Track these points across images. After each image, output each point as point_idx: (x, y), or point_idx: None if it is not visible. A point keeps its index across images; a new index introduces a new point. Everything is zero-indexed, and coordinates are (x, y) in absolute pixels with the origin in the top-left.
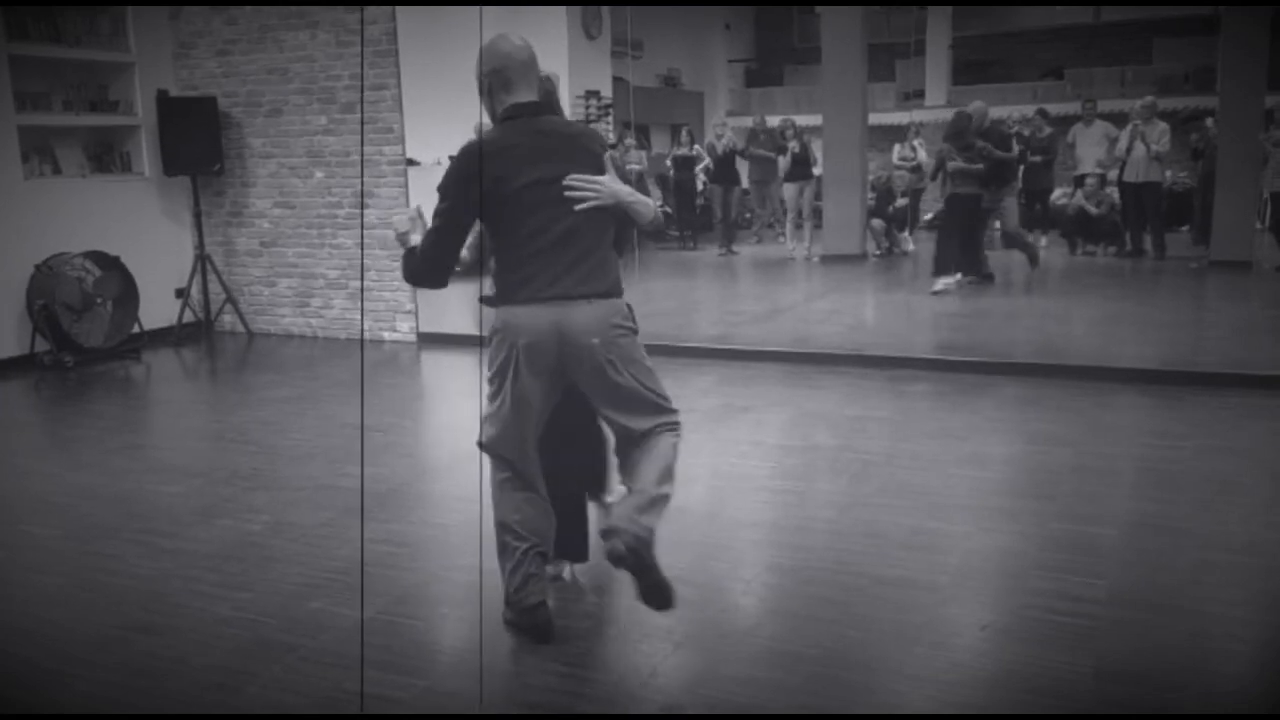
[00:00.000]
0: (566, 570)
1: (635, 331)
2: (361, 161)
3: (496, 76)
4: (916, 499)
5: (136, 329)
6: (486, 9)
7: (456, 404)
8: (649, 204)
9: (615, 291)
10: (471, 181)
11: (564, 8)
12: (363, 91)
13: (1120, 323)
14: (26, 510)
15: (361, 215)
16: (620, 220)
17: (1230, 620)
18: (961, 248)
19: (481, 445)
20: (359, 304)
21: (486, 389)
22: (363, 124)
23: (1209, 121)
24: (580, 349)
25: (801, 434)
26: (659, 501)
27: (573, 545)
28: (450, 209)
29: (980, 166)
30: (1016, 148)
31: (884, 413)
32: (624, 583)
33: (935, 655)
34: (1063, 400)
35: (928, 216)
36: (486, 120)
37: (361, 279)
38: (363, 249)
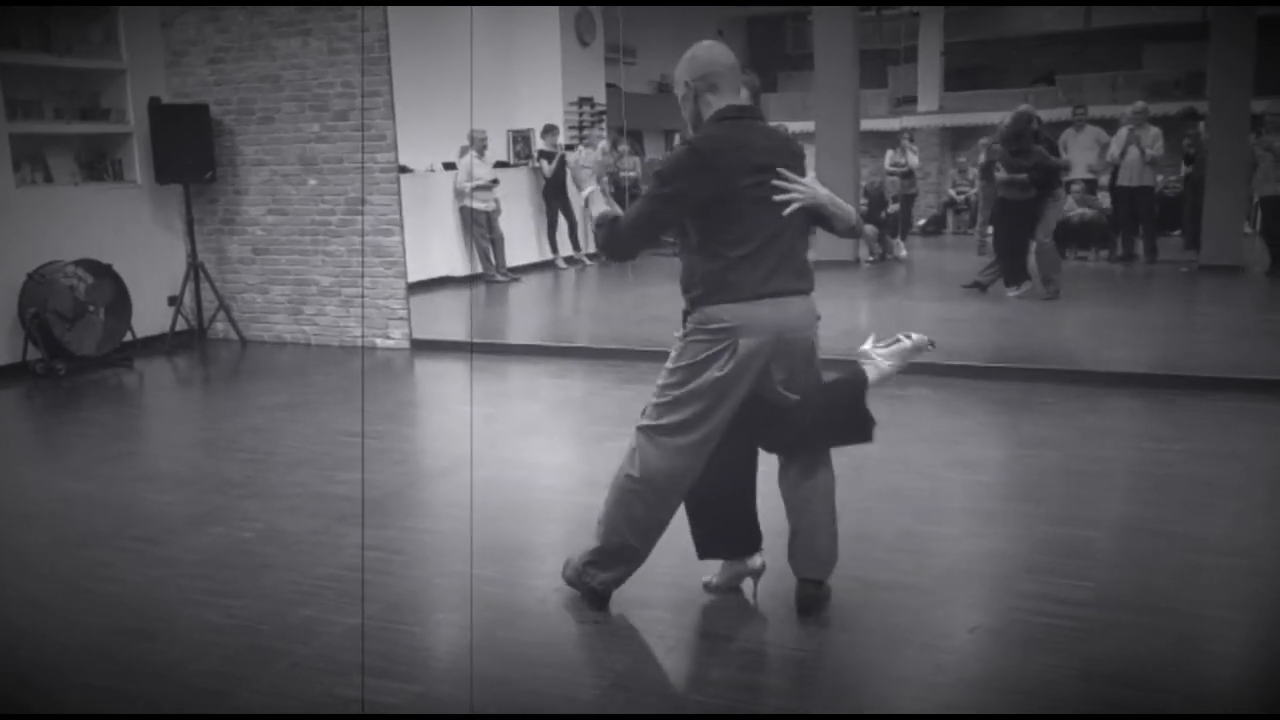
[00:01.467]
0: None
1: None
2: (362, 167)
3: (704, 81)
4: (907, 502)
5: (129, 337)
6: (482, 20)
7: (449, 410)
8: (849, 211)
9: (813, 288)
10: (705, 173)
11: (558, 18)
12: (363, 97)
13: (1111, 327)
14: (18, 517)
15: (363, 221)
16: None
17: (1219, 622)
18: (1012, 254)
19: (645, 429)
20: (352, 311)
21: (665, 378)
22: (364, 129)
23: (1201, 126)
24: (795, 342)
25: None
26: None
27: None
28: (673, 195)
29: (1024, 175)
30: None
31: (875, 417)
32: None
33: (923, 657)
34: (1054, 404)
35: (921, 222)
36: (480, 127)
37: (363, 286)
38: (364, 255)
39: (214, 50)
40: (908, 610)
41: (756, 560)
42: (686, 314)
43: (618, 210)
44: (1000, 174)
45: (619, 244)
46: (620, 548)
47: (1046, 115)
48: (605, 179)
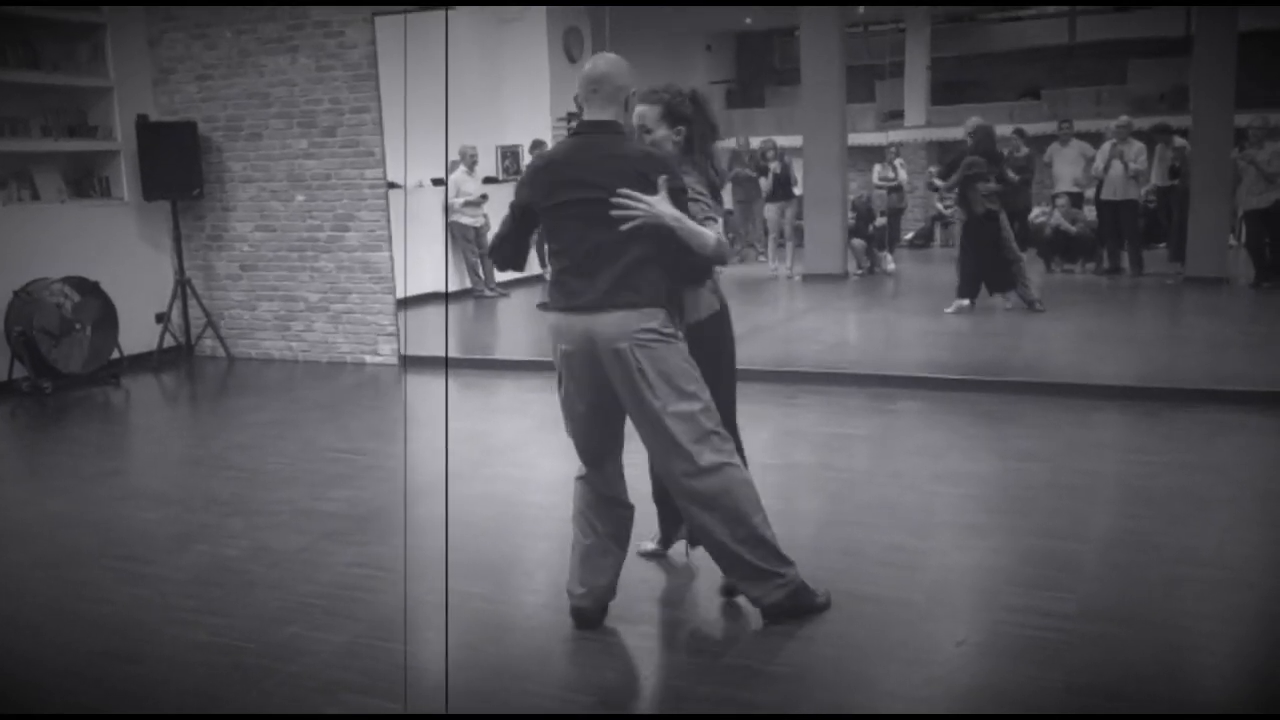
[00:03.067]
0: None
1: (675, 338)
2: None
3: (580, 95)
4: (894, 516)
5: (116, 354)
6: (470, 37)
7: (438, 427)
8: (703, 233)
9: (646, 302)
10: (527, 185)
11: (545, 34)
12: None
13: (1097, 339)
14: (3, 537)
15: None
16: (678, 244)
17: (1201, 634)
18: (993, 267)
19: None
20: (340, 327)
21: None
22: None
23: (1178, 140)
24: (609, 355)
25: (782, 452)
26: (757, 549)
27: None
28: (512, 205)
29: (999, 186)
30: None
31: (864, 430)
32: None
33: (911, 671)
34: (1040, 417)
35: (908, 236)
36: (470, 143)
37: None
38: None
39: (202, 67)
40: (896, 624)
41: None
42: None
43: None
44: (987, 185)
45: (493, 250)
46: (586, 550)
47: (1032, 129)
48: None
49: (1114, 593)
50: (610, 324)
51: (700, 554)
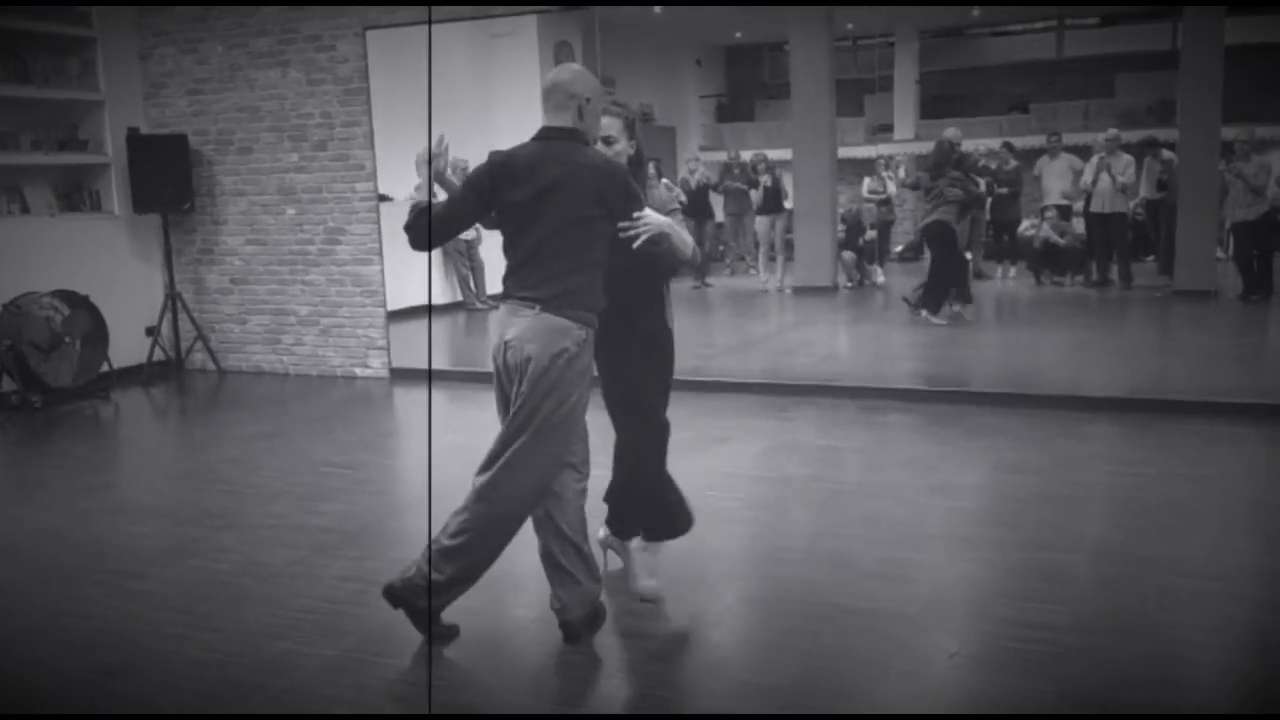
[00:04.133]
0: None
1: (582, 361)
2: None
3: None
4: (886, 529)
5: (106, 368)
6: (460, 49)
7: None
8: (688, 240)
9: (574, 310)
10: (488, 180)
11: (536, 47)
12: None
13: (1087, 352)
14: None
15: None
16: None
17: (1191, 644)
18: (949, 277)
19: None
20: (330, 340)
21: None
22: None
23: (1165, 153)
24: (515, 354)
25: (774, 465)
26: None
27: (663, 524)
28: (460, 191)
29: (959, 193)
30: (981, 181)
31: (855, 443)
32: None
33: (904, 684)
34: (1030, 429)
35: (898, 249)
36: (461, 156)
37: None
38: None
39: (193, 81)
40: (889, 636)
41: (634, 543)
42: None
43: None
44: (954, 190)
45: (420, 231)
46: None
47: (1021, 143)
48: None
49: (1105, 604)
50: (525, 323)
51: (700, 567)
